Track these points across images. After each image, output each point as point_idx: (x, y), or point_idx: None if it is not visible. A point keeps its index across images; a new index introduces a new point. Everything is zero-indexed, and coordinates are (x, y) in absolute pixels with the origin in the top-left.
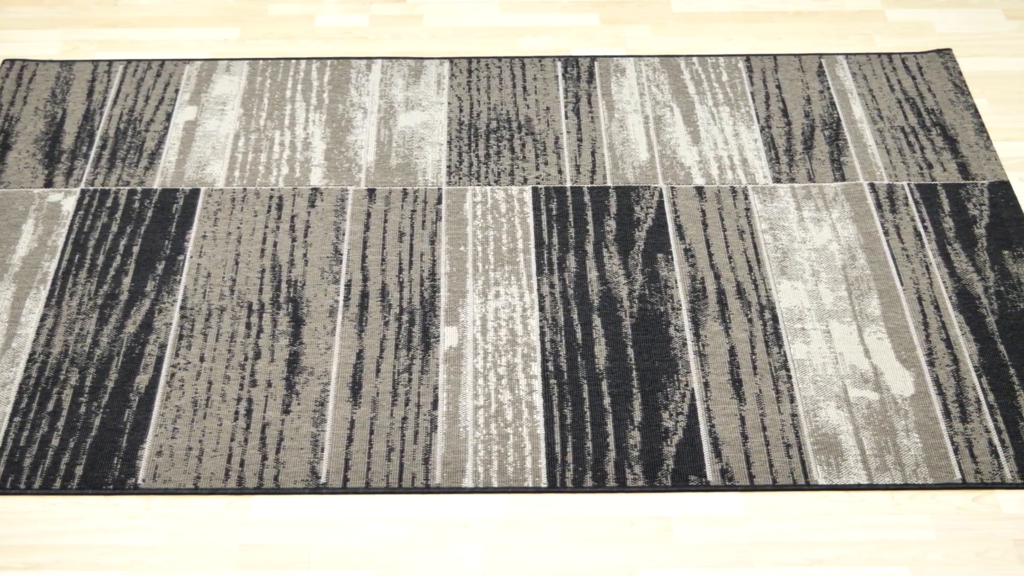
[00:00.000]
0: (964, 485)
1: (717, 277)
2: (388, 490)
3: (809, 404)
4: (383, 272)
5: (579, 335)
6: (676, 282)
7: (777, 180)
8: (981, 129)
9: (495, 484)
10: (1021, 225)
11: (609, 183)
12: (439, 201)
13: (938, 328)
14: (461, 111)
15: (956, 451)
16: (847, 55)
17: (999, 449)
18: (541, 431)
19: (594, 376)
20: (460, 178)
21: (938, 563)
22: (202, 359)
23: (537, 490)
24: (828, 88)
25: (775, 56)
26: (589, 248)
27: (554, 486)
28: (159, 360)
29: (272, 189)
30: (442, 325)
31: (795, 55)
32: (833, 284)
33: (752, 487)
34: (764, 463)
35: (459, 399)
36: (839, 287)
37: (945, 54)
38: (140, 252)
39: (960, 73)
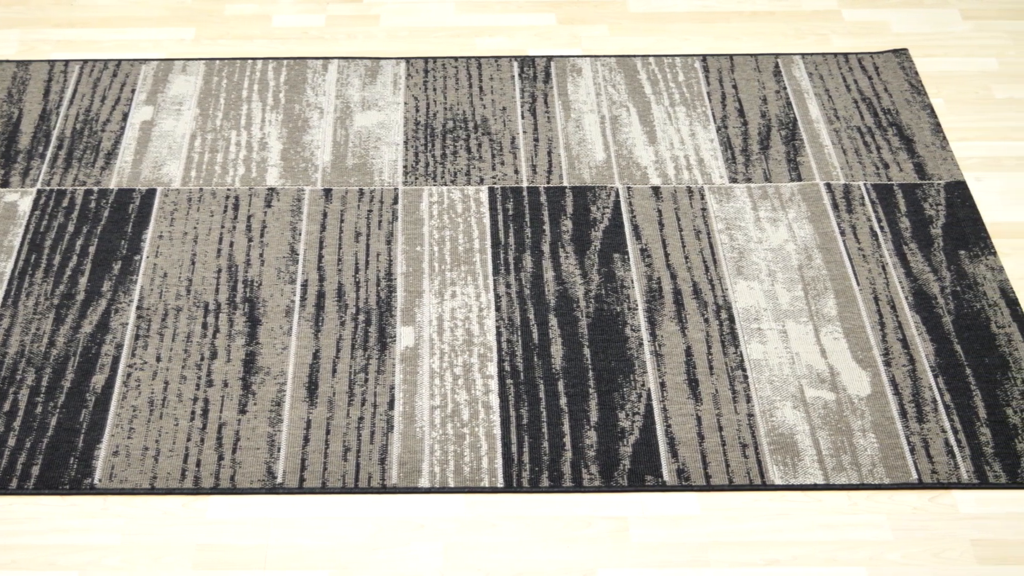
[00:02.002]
0: (920, 485)
1: (673, 277)
2: (344, 490)
3: (765, 404)
4: (339, 272)
5: (535, 335)
6: (632, 282)
7: (733, 180)
8: (937, 129)
9: (451, 484)
10: (977, 225)
11: (565, 183)
12: (395, 201)
13: (894, 328)
14: (417, 111)
15: (912, 451)
16: (803, 55)
17: (955, 449)
18: (497, 431)
19: (550, 376)
20: (416, 178)
21: (895, 563)
22: (158, 359)
23: (494, 490)
24: (784, 88)
25: (731, 56)
26: (545, 248)
27: (510, 486)
28: (115, 360)
29: (228, 189)
30: (398, 325)
31: (751, 55)
32: (789, 284)
33: (708, 487)
34: (720, 463)
35: (415, 399)
36: (795, 287)
37: (901, 54)
38: (96, 252)
39: (916, 73)
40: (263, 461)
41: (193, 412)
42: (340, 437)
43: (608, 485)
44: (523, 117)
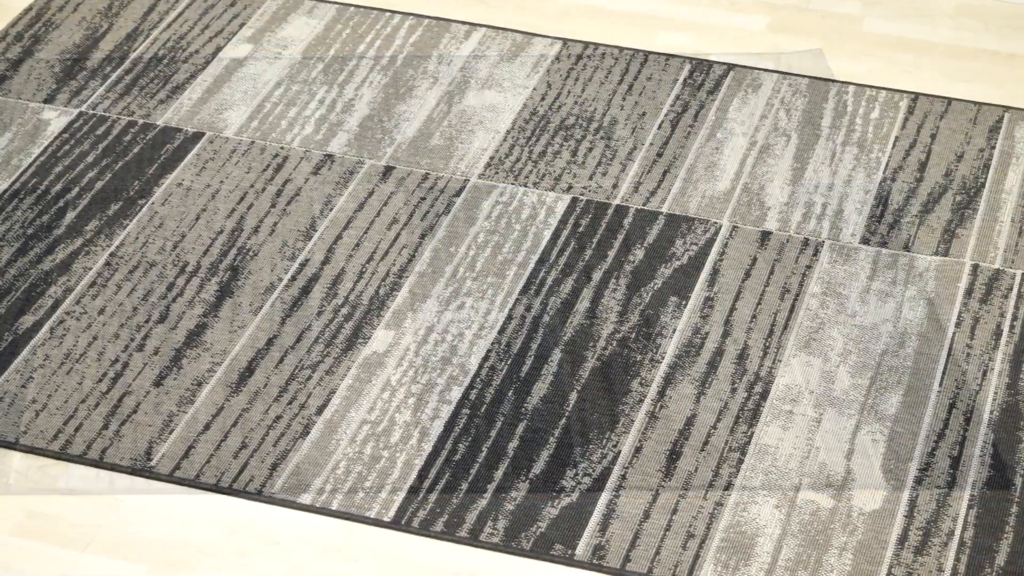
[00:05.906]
0: None
1: (725, 336)
2: (215, 488)
3: (745, 495)
4: (349, 258)
5: (526, 368)
6: (673, 332)
7: (865, 241)
8: None
9: (333, 507)
10: None
11: (664, 209)
12: (457, 193)
13: (953, 443)
14: (542, 99)
15: None
16: None
17: None
18: (419, 462)
19: (515, 415)
20: (496, 172)
21: None
22: (101, 311)
23: (375, 523)
24: (994, 147)
25: (949, 100)
26: (596, 275)
27: (397, 523)
28: (55, 305)
29: (281, 147)
30: (379, 327)
31: (973, 102)
32: (858, 370)
33: (620, 572)
34: (650, 548)
35: (351, 409)
36: (863, 374)
37: None
38: (101, 189)
39: None
40: (147, 439)
41: (104, 374)
42: (243, 432)
43: (507, 545)
44: (659, 127)
